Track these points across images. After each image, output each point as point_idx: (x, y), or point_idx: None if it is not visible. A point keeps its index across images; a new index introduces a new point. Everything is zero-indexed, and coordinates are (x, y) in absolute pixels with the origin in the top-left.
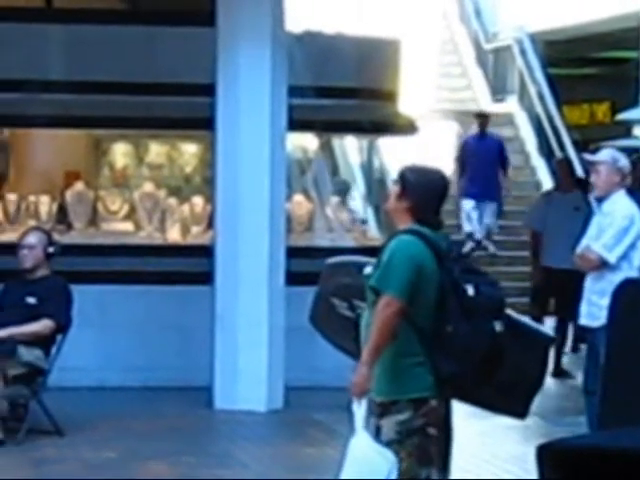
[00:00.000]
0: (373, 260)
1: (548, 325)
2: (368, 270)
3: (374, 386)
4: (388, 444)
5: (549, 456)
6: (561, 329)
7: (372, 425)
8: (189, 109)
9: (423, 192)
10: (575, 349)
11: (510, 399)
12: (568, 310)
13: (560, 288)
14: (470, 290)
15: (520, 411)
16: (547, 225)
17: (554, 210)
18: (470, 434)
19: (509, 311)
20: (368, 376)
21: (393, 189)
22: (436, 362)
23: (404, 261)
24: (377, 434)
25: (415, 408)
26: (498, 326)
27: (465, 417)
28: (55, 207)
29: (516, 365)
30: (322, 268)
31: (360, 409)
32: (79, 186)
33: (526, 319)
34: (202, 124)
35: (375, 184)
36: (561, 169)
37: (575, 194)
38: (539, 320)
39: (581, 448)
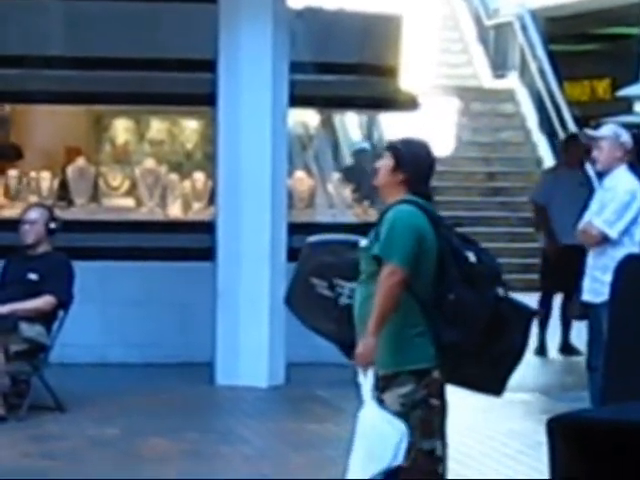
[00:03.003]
0: (360, 237)
1: (557, 301)
2: (364, 243)
3: (376, 359)
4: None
5: (559, 429)
6: (566, 305)
7: (375, 399)
8: (190, 85)
9: (417, 164)
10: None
11: (491, 376)
12: (572, 285)
13: (567, 264)
14: (471, 257)
15: (497, 388)
16: (553, 201)
17: (561, 186)
18: (471, 410)
19: None
20: (374, 347)
21: (382, 163)
22: (438, 331)
23: (406, 230)
24: (380, 407)
25: (417, 380)
26: (501, 291)
27: (466, 393)
28: (56, 183)
29: (503, 339)
30: (302, 247)
31: (367, 380)
32: (80, 162)
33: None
34: (203, 100)
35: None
36: (572, 146)
37: (580, 171)
38: (549, 298)
39: (592, 421)
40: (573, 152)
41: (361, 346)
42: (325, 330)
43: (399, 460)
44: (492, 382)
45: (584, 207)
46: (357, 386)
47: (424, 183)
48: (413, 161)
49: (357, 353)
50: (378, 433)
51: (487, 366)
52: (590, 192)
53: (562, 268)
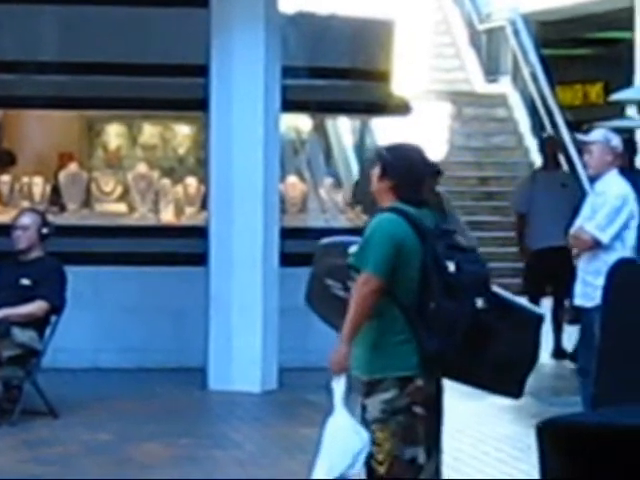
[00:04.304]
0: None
1: (545, 306)
2: (353, 249)
3: (360, 365)
4: (373, 422)
5: (549, 433)
6: (557, 310)
7: (358, 404)
8: (183, 90)
9: (403, 170)
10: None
11: (505, 379)
12: (563, 288)
13: (552, 267)
14: (451, 267)
15: (515, 391)
16: (534, 205)
17: (540, 189)
18: (464, 414)
19: (497, 289)
20: (346, 353)
21: (374, 170)
22: (420, 339)
23: (382, 239)
24: (363, 413)
25: (401, 387)
26: (480, 302)
27: (459, 397)
28: (49, 188)
29: (509, 344)
30: (315, 248)
31: (339, 386)
32: (73, 167)
33: (511, 296)
34: (196, 105)
35: (369, 165)
36: (549, 147)
37: (562, 171)
38: (536, 302)
39: (581, 425)
40: (551, 153)
41: (334, 353)
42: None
43: (356, 469)
44: (507, 385)
45: (574, 209)
46: (329, 391)
47: (413, 189)
48: (400, 167)
49: (330, 359)
50: (341, 440)
51: (496, 370)
52: (577, 190)
53: (543, 271)
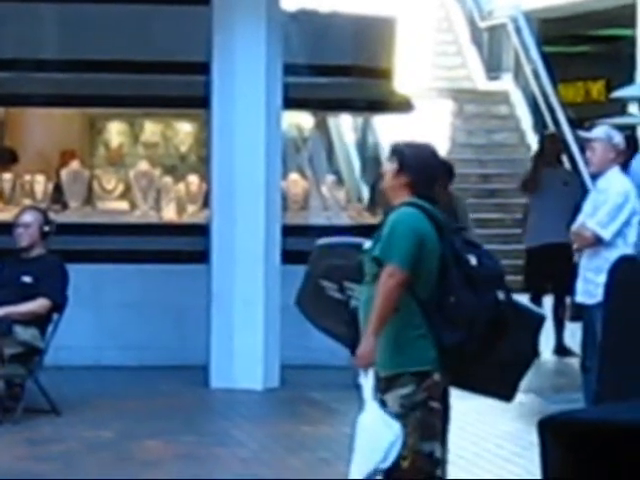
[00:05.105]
0: (366, 240)
1: (546, 303)
2: (367, 245)
3: (378, 361)
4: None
5: (551, 429)
6: (558, 307)
7: (377, 400)
8: (184, 87)
9: (421, 167)
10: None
11: (501, 380)
12: (563, 285)
13: (553, 264)
14: (473, 260)
15: (508, 393)
16: (535, 202)
17: (542, 186)
18: (465, 411)
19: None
20: (373, 347)
21: (388, 167)
22: (439, 333)
23: (406, 232)
24: (382, 409)
25: (418, 382)
26: (501, 295)
27: (460, 394)
28: (50, 186)
29: (510, 343)
30: (312, 249)
31: (368, 381)
32: (74, 165)
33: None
34: (197, 102)
35: (370, 162)
36: (550, 143)
37: (563, 169)
38: (537, 299)
39: (583, 421)
40: (552, 150)
41: (361, 347)
42: (336, 332)
43: (388, 462)
44: (501, 387)
45: (575, 207)
46: (358, 388)
47: (429, 186)
48: (417, 164)
49: (357, 354)
50: (373, 434)
51: (495, 370)
52: (578, 188)
53: (543, 268)
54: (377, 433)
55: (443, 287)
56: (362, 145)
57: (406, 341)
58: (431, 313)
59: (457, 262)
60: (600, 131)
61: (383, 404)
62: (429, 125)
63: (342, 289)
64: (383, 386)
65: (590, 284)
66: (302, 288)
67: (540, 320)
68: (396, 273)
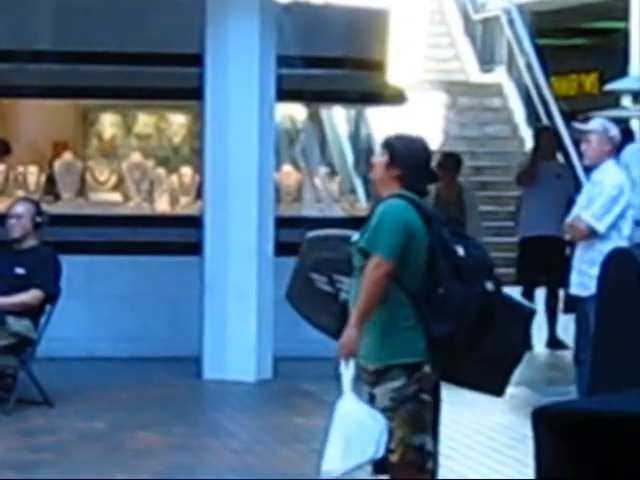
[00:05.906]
0: (357, 232)
1: (539, 296)
2: (355, 237)
3: (367, 354)
4: (383, 411)
5: (544, 420)
6: (551, 299)
7: (366, 394)
8: (178, 79)
9: (412, 160)
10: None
11: (491, 375)
12: (556, 278)
13: (545, 256)
14: (460, 251)
15: (498, 388)
16: (528, 194)
17: (535, 179)
18: (457, 403)
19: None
20: (356, 337)
21: (378, 158)
22: (428, 324)
23: (394, 224)
24: (371, 402)
25: (408, 374)
26: (489, 285)
27: (453, 386)
28: (43, 177)
29: (499, 337)
30: (302, 242)
31: (348, 371)
32: (67, 156)
33: (509, 290)
34: (191, 94)
35: (363, 154)
36: (546, 137)
37: (557, 162)
38: (530, 291)
39: (577, 412)
40: (546, 144)
41: (344, 337)
42: (325, 325)
43: (380, 453)
44: (492, 382)
45: (567, 199)
46: (338, 378)
47: (419, 179)
48: (408, 157)
49: (340, 344)
50: (359, 426)
51: (485, 365)
52: (571, 181)
53: (535, 261)
54: (363, 426)
55: (432, 279)
56: (355, 137)
57: (395, 332)
58: (420, 304)
59: (445, 253)
60: (596, 123)
61: (372, 398)
62: (422, 117)
63: (332, 282)
64: (372, 379)
65: (584, 276)
66: (292, 281)
67: (530, 313)
68: (382, 264)
